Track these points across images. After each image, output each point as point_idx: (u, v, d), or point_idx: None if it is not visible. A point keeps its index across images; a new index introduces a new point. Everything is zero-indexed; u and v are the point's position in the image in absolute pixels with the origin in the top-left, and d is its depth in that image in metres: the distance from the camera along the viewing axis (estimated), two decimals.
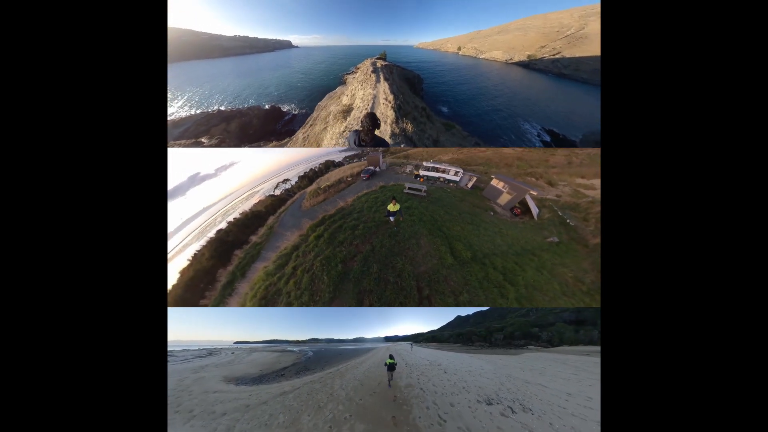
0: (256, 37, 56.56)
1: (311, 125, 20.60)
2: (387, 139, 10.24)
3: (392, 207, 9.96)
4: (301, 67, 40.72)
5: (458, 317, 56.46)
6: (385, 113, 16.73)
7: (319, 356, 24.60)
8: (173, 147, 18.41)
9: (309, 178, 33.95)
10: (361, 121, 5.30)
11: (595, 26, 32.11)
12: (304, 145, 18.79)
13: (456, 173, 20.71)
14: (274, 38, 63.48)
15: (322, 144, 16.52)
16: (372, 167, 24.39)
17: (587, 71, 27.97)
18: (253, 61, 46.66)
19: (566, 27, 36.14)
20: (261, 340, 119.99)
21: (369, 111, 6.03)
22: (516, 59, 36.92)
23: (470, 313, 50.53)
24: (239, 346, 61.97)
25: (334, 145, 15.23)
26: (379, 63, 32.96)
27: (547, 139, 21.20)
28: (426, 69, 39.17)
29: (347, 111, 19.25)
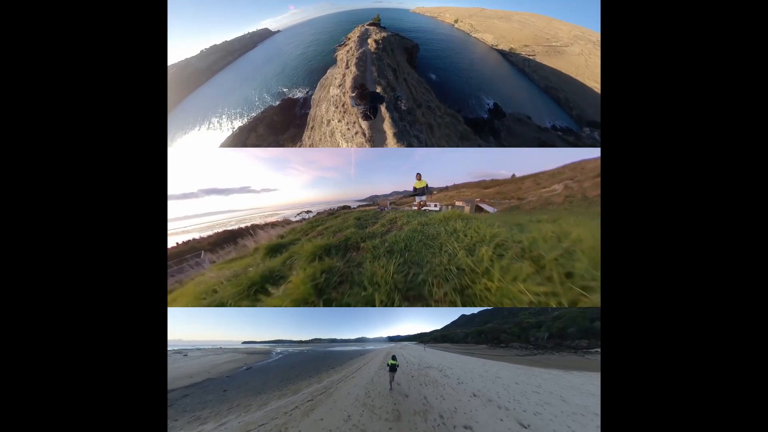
0: (226, 41, 48.56)
1: (312, 127, 20.29)
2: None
3: (418, 184, 9.66)
4: (289, 56, 39.39)
5: (462, 316, 52.50)
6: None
7: (284, 363, 18.96)
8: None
9: (328, 213, 43.52)
10: (354, 91, 6.46)
11: (576, 50, 33.77)
12: (311, 146, 17.98)
13: (435, 205, 32.42)
14: (247, 32, 53.71)
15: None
16: (382, 207, 38.33)
17: (540, 76, 32.90)
18: (246, 63, 43.89)
19: (556, 38, 36.63)
20: (267, 340, 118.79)
21: (356, 82, 7.07)
22: (500, 47, 39.04)
23: (475, 312, 46.09)
24: (247, 345, 63.53)
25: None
26: (372, 39, 24.16)
27: (492, 107, 28.79)
28: (422, 42, 37.85)
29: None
